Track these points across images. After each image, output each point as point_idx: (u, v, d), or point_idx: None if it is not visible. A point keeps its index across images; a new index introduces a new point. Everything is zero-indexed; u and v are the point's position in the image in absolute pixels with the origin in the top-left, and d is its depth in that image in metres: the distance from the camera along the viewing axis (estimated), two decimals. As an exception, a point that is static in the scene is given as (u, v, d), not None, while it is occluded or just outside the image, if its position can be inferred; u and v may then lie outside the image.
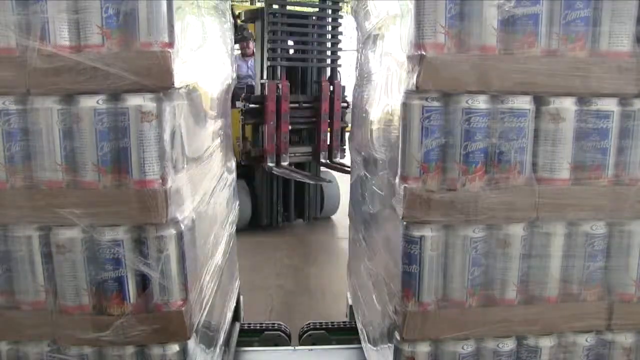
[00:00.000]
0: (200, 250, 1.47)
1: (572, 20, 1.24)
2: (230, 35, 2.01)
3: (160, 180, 1.22)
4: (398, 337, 1.35)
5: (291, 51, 4.77)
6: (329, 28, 4.75)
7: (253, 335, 2.27)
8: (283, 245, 4.60)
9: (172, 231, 1.26)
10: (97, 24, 1.16)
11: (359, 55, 2.14)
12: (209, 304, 1.54)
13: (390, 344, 1.42)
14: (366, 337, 1.87)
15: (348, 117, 4.65)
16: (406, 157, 1.27)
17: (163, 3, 1.17)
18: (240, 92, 4.49)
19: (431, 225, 1.29)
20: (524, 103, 1.25)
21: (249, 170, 4.86)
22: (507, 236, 1.31)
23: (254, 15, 4.90)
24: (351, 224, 2.34)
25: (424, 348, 1.35)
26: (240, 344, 2.14)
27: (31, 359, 1.34)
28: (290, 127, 4.61)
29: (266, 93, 4.45)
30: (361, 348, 1.96)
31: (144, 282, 1.27)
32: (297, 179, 4.73)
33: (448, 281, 1.33)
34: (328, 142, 4.80)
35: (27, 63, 1.16)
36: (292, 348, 2.18)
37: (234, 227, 2.13)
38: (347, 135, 4.49)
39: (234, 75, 2.10)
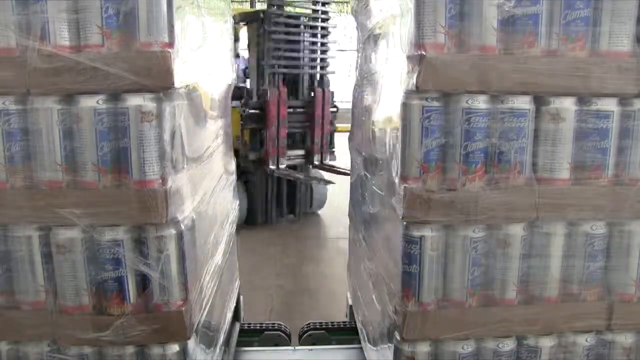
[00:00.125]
0: (201, 250, 1.47)
1: (572, 20, 1.24)
2: (230, 35, 2.01)
3: (160, 180, 1.22)
4: (398, 337, 1.35)
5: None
6: (319, 36, 5.10)
7: (253, 335, 2.27)
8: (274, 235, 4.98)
9: (172, 231, 1.26)
10: (97, 24, 1.16)
11: (359, 55, 2.14)
12: (209, 304, 1.54)
13: (390, 344, 1.42)
14: (366, 337, 1.87)
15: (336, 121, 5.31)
16: (406, 157, 1.27)
17: (163, 3, 1.17)
18: (235, 92, 4.57)
19: (431, 225, 1.29)
20: (524, 103, 1.25)
21: (246, 171, 5.08)
22: (507, 236, 1.31)
23: (248, 18, 5.03)
24: (351, 224, 2.34)
25: (424, 348, 1.35)
26: (240, 344, 2.14)
27: (31, 359, 1.34)
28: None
29: (268, 98, 4.69)
30: (361, 348, 1.96)
31: (144, 282, 1.27)
32: (300, 181, 5.06)
33: (448, 281, 1.33)
34: (320, 145, 5.12)
35: (27, 63, 1.15)
36: (292, 348, 2.18)
37: (234, 227, 2.13)
38: (335, 138, 5.17)
39: (234, 75, 2.10)
